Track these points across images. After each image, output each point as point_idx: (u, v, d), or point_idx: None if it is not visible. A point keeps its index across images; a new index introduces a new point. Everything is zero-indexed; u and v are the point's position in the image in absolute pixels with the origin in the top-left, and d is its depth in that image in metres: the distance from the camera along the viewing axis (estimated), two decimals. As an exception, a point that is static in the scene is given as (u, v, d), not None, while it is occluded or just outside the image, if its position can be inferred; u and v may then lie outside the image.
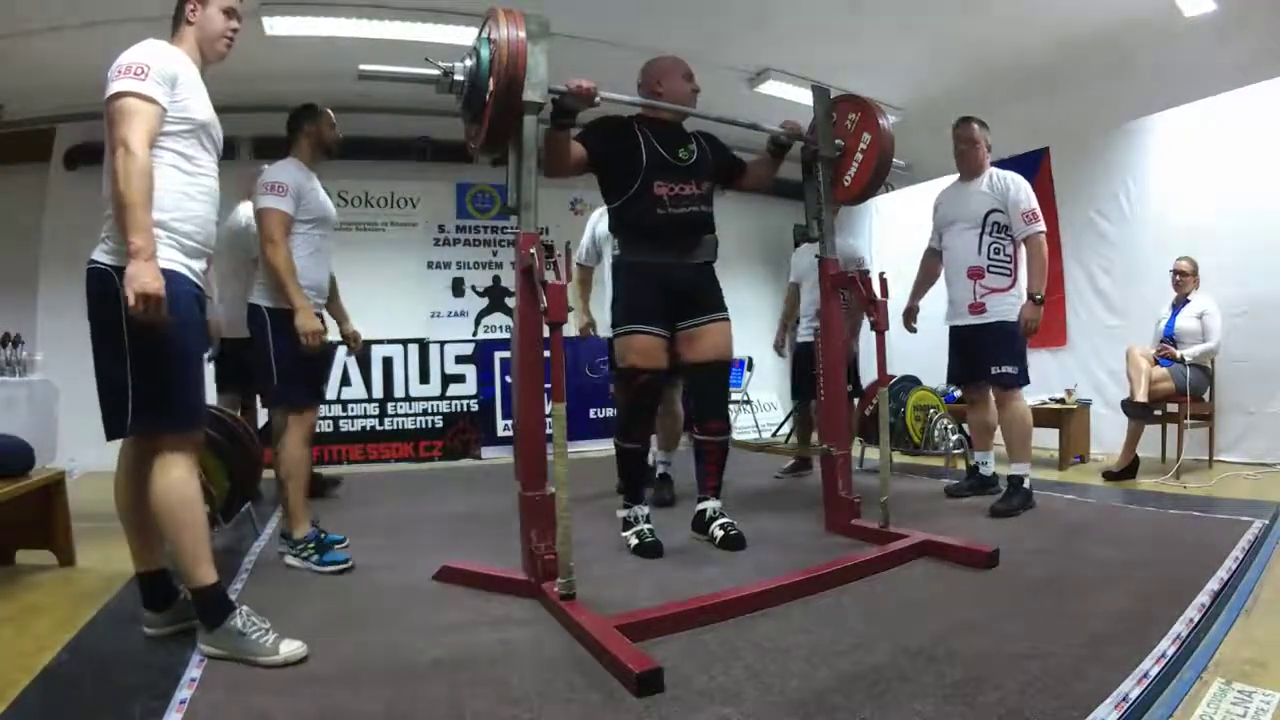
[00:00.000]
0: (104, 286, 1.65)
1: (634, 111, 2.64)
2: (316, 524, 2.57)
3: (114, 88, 1.61)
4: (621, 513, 2.68)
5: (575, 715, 1.40)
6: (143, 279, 1.52)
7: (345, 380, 5.48)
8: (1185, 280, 4.00)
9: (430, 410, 5.78)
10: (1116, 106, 4.75)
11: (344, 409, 5.51)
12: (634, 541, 2.58)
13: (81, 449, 4.02)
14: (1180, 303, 4.02)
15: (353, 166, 5.36)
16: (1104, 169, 4.81)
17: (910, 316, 3.55)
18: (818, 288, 4.08)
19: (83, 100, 4.39)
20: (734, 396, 6.28)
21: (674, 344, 2.63)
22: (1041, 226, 3.15)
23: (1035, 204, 3.16)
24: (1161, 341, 4.00)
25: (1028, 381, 3.23)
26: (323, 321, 2.60)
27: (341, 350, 3.43)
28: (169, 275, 1.60)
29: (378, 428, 5.62)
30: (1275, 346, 3.92)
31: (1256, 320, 3.98)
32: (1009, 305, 3.16)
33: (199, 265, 1.78)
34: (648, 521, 2.64)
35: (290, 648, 1.67)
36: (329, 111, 2.72)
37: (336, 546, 2.56)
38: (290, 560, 2.48)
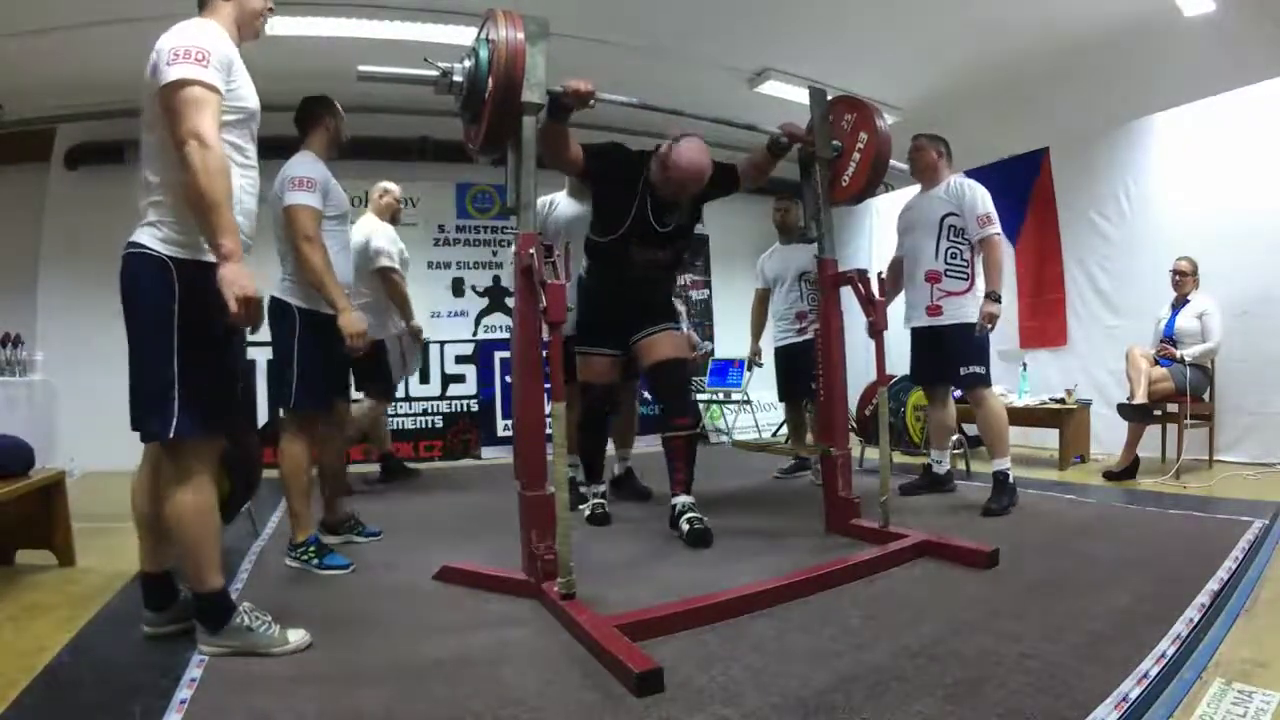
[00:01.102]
0: (159, 274, 1.55)
1: (647, 145, 2.71)
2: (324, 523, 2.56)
3: (174, 74, 1.49)
4: (582, 489, 3.15)
5: (575, 715, 1.40)
6: (241, 283, 1.47)
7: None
8: (1185, 280, 4.00)
9: (430, 410, 5.78)
10: (1117, 106, 4.74)
11: (344, 409, 5.50)
12: (587, 513, 3.04)
13: (81, 449, 4.03)
14: (1180, 303, 4.01)
15: (352, 166, 5.34)
16: (1104, 169, 4.80)
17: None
18: (794, 290, 4.11)
19: (83, 100, 4.37)
20: (734, 396, 6.29)
21: (632, 355, 2.89)
22: (996, 229, 3.19)
23: (991, 209, 3.21)
24: (1161, 341, 4.00)
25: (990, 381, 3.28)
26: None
27: None
28: None
29: (378, 428, 5.61)
30: (1275, 346, 3.92)
31: (1256, 320, 3.97)
32: (965, 308, 3.20)
33: None
34: (601, 497, 3.11)
35: (297, 635, 1.71)
36: (339, 107, 2.66)
37: (336, 549, 2.56)
38: (290, 562, 2.47)
